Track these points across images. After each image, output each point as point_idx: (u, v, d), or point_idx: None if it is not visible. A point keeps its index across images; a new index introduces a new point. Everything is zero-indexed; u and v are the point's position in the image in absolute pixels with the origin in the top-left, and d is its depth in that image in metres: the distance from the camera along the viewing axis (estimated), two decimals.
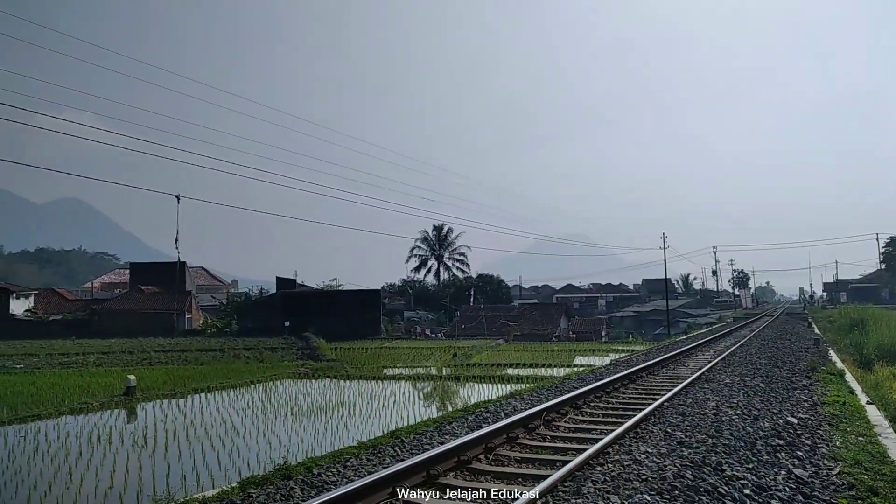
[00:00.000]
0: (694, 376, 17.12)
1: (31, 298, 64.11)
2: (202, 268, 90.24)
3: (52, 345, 44.00)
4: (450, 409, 17.05)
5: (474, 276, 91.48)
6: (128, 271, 78.39)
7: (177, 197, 27.93)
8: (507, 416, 11.82)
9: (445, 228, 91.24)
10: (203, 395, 22.68)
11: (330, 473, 8.41)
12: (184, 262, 66.59)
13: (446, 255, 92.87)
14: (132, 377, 22.34)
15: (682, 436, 9.53)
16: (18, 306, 60.89)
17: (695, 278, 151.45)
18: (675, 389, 14.50)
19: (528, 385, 19.98)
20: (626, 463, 7.89)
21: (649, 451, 8.54)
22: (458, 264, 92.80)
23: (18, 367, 32.89)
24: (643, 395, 14.43)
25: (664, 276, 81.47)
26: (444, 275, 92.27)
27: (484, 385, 23.27)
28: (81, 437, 15.71)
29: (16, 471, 12.69)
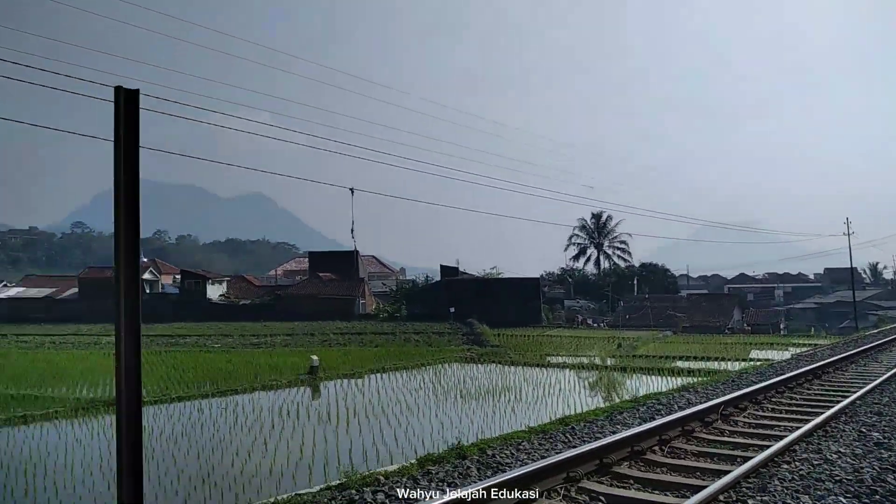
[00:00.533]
0: (890, 373, 15.71)
1: (225, 284, 70.64)
2: (373, 256, 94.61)
3: (243, 326, 48.29)
4: (616, 399, 16.86)
5: (636, 264, 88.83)
6: (307, 259, 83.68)
7: (350, 190, 29.51)
8: (680, 408, 11.53)
9: (605, 216, 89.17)
10: (378, 375, 23.95)
11: (503, 455, 8.67)
12: (356, 251, 70.25)
13: (606, 243, 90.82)
14: (315, 357, 24.01)
15: (880, 437, 8.85)
16: (214, 291, 67.32)
17: (884, 267, 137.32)
18: (869, 387, 13.42)
19: (700, 378, 19.28)
20: (815, 462, 7.49)
21: (842, 451, 8.02)
22: (618, 252, 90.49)
23: (216, 346, 36.49)
24: (830, 392, 13.48)
25: (849, 265, 74.70)
26: (604, 263, 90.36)
27: (652, 377, 22.68)
28: (273, 411, 17.14)
29: (220, 439, 14.14)
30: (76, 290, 70.64)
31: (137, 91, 8.46)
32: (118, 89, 8.24)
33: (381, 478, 7.86)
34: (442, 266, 71.11)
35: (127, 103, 8.11)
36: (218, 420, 16.17)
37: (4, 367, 26.19)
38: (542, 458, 7.92)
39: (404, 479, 7.60)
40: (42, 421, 16.18)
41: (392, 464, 10.17)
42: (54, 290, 73.99)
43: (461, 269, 72.74)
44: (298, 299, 62.59)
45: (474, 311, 50.41)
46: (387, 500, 6.72)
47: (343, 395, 19.77)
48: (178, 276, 71.83)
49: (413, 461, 9.32)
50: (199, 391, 20.11)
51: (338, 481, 8.30)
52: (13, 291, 76.31)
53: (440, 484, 7.32)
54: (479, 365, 27.67)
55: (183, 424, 15.66)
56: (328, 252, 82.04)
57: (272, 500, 7.65)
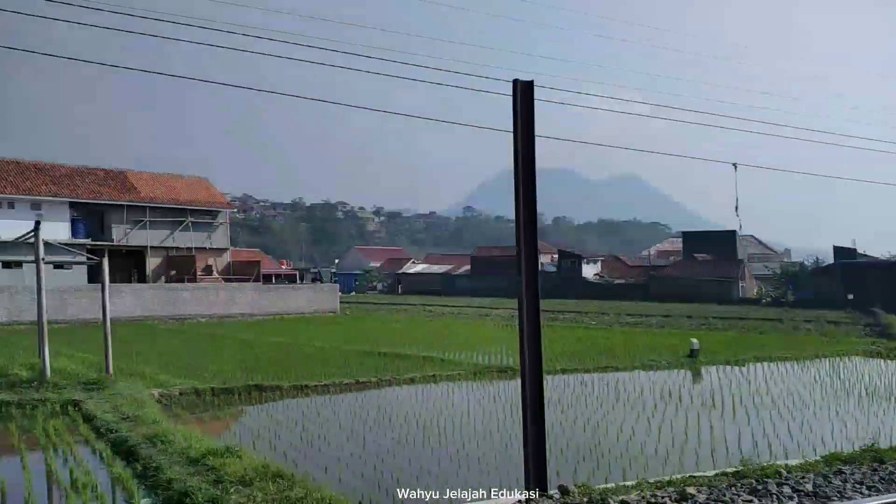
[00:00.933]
0: None
1: (598, 264, 72.95)
2: (752, 236, 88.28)
3: (618, 305, 49.19)
4: None
5: None
6: (680, 240, 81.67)
7: (734, 165, 27.67)
8: None
9: None
10: (764, 364, 22.35)
11: None
12: (735, 231, 66.26)
13: None
14: (695, 340, 23.28)
15: None
16: (588, 270, 70.06)
17: None
18: None
19: None
20: None
21: None
22: None
23: (592, 323, 37.82)
24: None
25: None
26: None
27: None
28: (654, 391, 17.19)
29: (604, 413, 14.62)
30: (468, 267, 79.44)
31: (532, 83, 9.09)
32: (516, 82, 8.94)
33: (783, 471, 7.42)
34: (836, 247, 63.67)
35: (524, 95, 8.79)
36: (601, 395, 16.75)
37: (416, 333, 30.74)
38: None
39: (811, 476, 7.07)
40: (447, 381, 18.61)
41: (787, 458, 9.51)
42: (451, 266, 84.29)
43: (859, 250, 64.29)
44: (673, 280, 61.57)
45: (879, 299, 44.23)
46: (794, 495, 6.33)
47: (726, 381, 18.93)
48: (556, 256, 75.87)
49: (817, 458, 8.61)
50: (581, 365, 21.06)
51: (732, 468, 8.06)
52: (419, 267, 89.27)
53: (857, 486, 6.65)
54: (889, 361, 24.08)
55: (568, 396, 16.61)
56: (704, 232, 78.94)
57: (667, 478, 7.74)
